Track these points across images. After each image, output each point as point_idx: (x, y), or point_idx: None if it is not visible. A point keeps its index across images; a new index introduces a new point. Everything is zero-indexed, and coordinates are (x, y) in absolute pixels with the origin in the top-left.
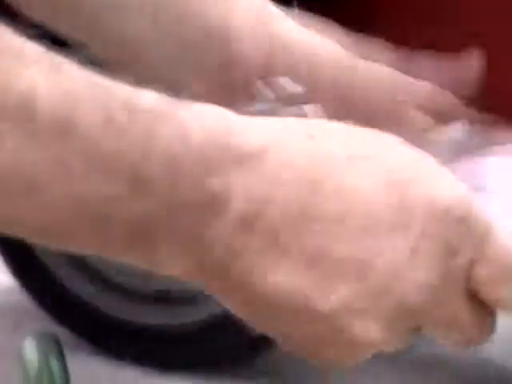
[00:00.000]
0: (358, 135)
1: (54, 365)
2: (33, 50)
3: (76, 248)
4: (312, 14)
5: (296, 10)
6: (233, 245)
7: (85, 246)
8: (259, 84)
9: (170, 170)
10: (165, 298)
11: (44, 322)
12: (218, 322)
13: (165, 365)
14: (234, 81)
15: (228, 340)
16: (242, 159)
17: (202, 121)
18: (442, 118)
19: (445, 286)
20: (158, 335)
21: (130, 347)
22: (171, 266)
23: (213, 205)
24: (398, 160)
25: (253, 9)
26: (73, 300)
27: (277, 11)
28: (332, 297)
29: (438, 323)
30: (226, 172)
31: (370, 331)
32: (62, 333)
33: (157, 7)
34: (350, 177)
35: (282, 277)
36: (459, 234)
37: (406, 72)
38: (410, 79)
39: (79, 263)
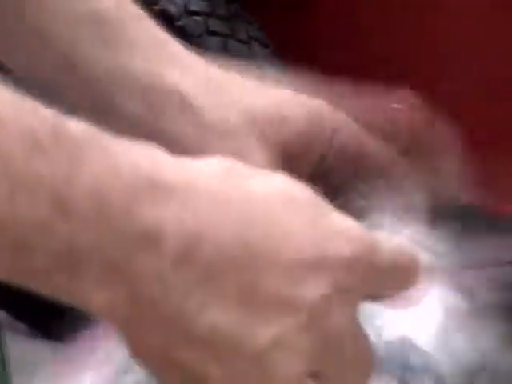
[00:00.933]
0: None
1: None
2: None
3: None
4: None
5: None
6: (166, 281)
7: (4, 275)
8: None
9: (96, 198)
10: None
11: None
12: None
13: None
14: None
15: None
16: (173, 193)
17: (131, 154)
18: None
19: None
20: None
21: (68, 330)
22: (96, 298)
23: (144, 239)
24: (316, 202)
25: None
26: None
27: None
28: (262, 333)
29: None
30: (157, 205)
31: (294, 365)
32: (0, 315)
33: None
34: (278, 215)
35: (214, 314)
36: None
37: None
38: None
39: None
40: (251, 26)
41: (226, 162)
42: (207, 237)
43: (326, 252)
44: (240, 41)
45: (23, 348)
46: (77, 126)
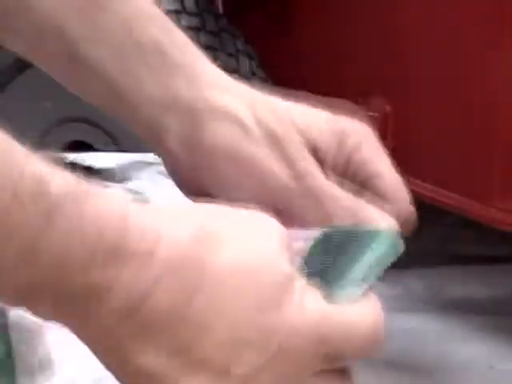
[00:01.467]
0: (245, 240)
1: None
2: None
3: None
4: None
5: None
6: (111, 329)
7: None
8: None
9: (59, 257)
10: None
11: None
12: None
13: None
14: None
15: None
16: (130, 259)
17: (101, 213)
18: None
19: None
20: None
21: None
22: (56, 320)
23: (94, 293)
24: (272, 277)
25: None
26: None
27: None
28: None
29: None
30: (112, 268)
31: None
32: None
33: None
34: (226, 291)
35: (149, 359)
36: (320, 352)
37: None
38: None
39: None
40: (238, 39)
41: (199, 227)
42: (152, 300)
43: (266, 341)
44: (228, 54)
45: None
46: (58, 183)
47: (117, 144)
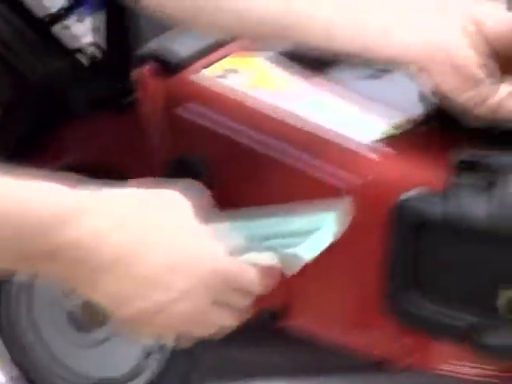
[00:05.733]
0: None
1: None
2: None
3: None
4: None
5: None
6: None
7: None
8: None
9: (17, 232)
10: None
11: None
12: None
13: None
14: None
15: None
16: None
17: (45, 200)
18: None
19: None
20: None
21: None
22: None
23: (49, 253)
24: (184, 245)
25: None
26: None
27: None
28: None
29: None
30: (58, 237)
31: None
32: None
33: None
34: (152, 255)
35: (106, 282)
36: (222, 288)
37: None
38: None
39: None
40: None
41: (139, 195)
42: (93, 261)
43: (172, 283)
44: None
45: None
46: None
47: None
